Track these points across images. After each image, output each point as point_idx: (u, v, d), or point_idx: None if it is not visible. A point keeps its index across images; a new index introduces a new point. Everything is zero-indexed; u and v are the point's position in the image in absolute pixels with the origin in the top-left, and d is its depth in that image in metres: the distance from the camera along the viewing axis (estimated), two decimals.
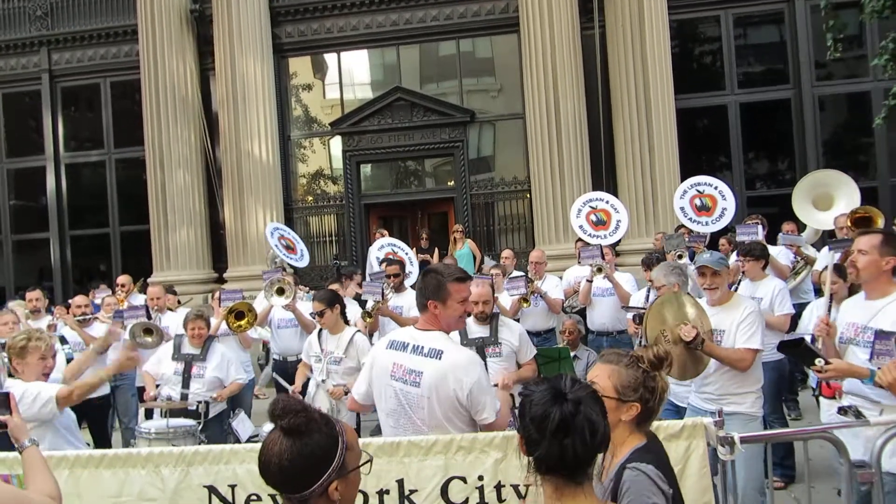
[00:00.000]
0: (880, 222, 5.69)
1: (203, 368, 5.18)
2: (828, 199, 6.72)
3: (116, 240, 12.38)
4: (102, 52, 12.25)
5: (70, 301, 7.40)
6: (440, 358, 2.82)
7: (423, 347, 2.87)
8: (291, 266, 7.97)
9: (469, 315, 3.09)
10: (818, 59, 10.30)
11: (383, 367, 2.95)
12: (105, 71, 12.30)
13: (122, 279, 7.94)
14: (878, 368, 2.84)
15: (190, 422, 4.72)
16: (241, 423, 4.81)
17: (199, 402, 4.91)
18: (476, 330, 4.44)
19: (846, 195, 6.58)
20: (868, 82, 10.37)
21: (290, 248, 7.78)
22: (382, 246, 8.06)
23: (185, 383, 5.10)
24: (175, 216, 11.03)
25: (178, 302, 7.50)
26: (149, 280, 9.80)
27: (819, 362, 3.04)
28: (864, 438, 3.03)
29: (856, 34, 10.61)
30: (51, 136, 12.50)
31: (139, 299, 7.54)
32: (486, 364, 4.28)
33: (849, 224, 5.77)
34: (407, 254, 7.93)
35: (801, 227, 7.64)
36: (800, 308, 5.58)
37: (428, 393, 2.81)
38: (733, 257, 5.95)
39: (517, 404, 1.75)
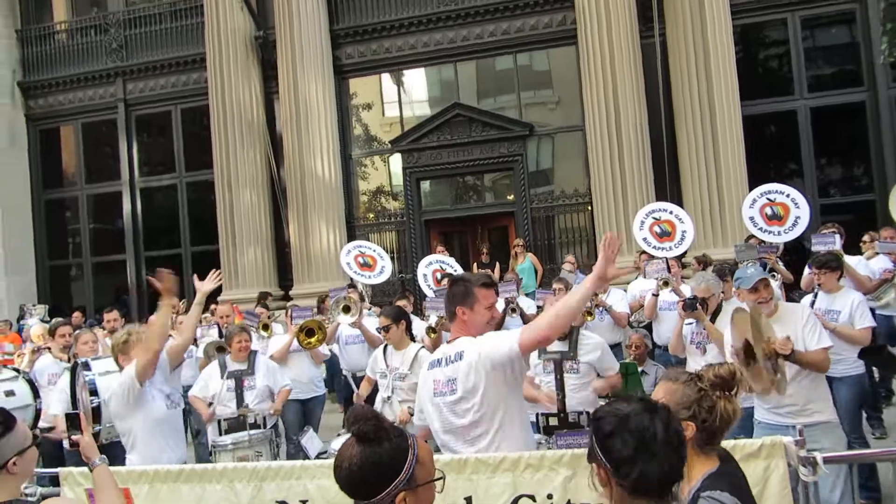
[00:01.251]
0: None
1: (253, 380, 5.29)
2: None
3: (188, 260, 12.84)
4: (173, 81, 12.81)
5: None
6: (462, 357, 2.83)
7: (451, 356, 2.89)
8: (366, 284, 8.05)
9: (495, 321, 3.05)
10: None
11: (427, 390, 2.97)
12: (176, 98, 12.85)
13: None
14: None
15: (261, 430, 4.84)
16: (310, 440, 4.88)
17: (257, 415, 5.03)
18: (555, 344, 4.42)
19: None
20: None
21: (367, 266, 7.85)
22: (430, 263, 8.13)
23: (240, 398, 5.19)
24: (242, 236, 11.39)
25: (269, 317, 7.66)
26: (218, 298, 10.12)
27: None
28: None
29: None
30: (126, 162, 13.12)
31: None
32: (563, 378, 4.28)
33: None
34: (455, 270, 7.98)
35: None
36: None
37: (465, 393, 2.80)
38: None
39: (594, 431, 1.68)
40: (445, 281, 7.06)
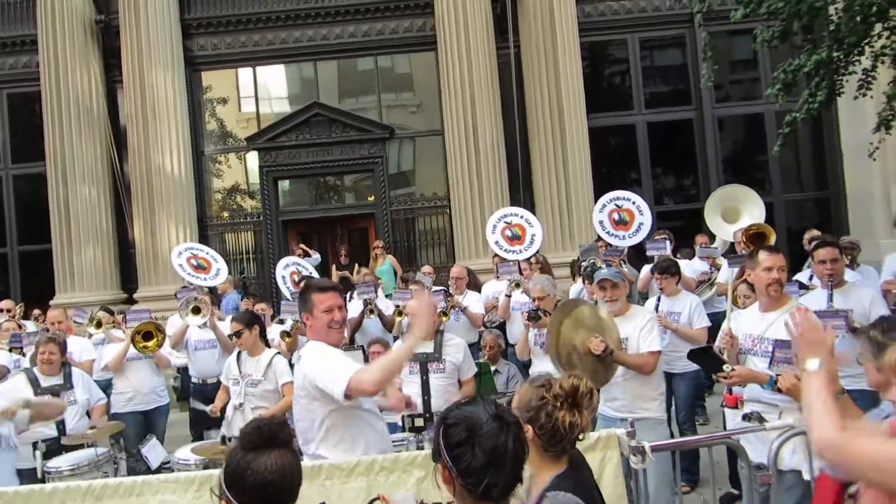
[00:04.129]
0: (772, 238, 6.06)
1: (73, 395, 4.89)
2: (735, 212, 7.07)
3: (15, 259, 11.64)
4: None
5: None
6: (300, 361, 3.02)
7: (300, 358, 3.07)
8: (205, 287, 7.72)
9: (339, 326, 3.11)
10: (718, 81, 10.91)
11: None
12: (2, 82, 11.62)
13: (5, 304, 7.57)
14: (778, 374, 3.04)
15: (102, 449, 4.47)
16: (152, 450, 4.59)
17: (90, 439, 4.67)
18: (419, 346, 4.47)
19: (751, 209, 6.95)
20: (762, 104, 11.06)
21: (201, 268, 7.51)
22: (287, 265, 8.00)
23: None
24: (80, 234, 10.51)
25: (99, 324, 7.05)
26: (51, 302, 9.30)
27: (726, 368, 3.23)
28: (768, 442, 3.21)
29: (751, 59, 11.33)
30: None
31: (29, 325, 7.20)
32: (428, 380, 4.36)
33: (743, 240, 6.11)
34: (310, 273, 7.90)
35: (712, 237, 8.01)
36: (714, 316, 5.87)
37: (297, 396, 3.02)
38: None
39: (441, 431, 1.72)
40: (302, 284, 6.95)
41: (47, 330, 6.26)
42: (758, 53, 10.76)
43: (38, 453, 4.37)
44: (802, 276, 5.06)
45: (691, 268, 7.01)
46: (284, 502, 1.66)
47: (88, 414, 5.07)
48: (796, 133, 8.24)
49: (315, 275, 8.02)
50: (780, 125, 7.87)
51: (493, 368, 5.89)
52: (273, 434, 1.65)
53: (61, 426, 4.73)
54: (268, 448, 1.63)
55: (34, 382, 4.79)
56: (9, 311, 7.46)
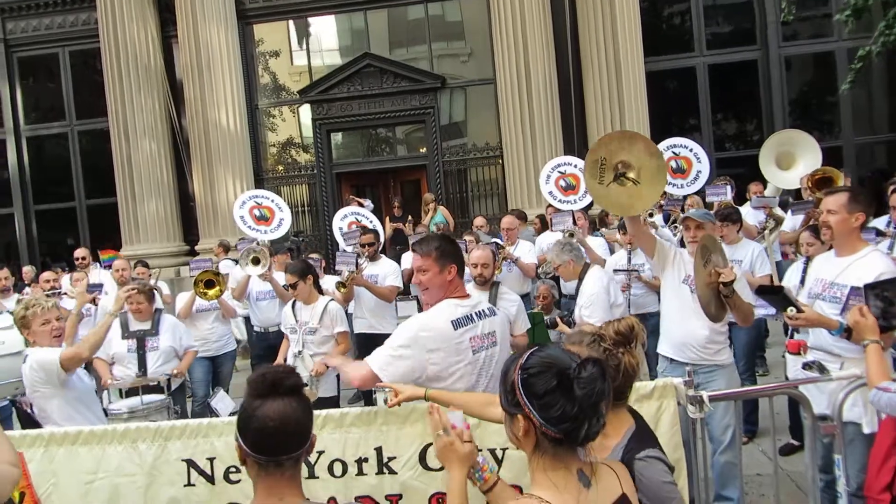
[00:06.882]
0: (840, 182, 5.77)
1: (157, 341, 5.06)
2: (790, 158, 6.77)
3: (83, 213, 12.15)
4: (60, 21, 11.86)
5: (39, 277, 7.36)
6: (496, 313, 3.00)
7: (483, 311, 2.95)
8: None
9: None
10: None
11: (454, 348, 2.74)
12: (63, 40, 11.93)
13: (80, 252, 7.91)
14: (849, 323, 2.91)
15: (161, 396, 4.66)
16: (221, 401, 4.75)
17: (159, 379, 4.83)
18: (476, 296, 4.47)
19: (807, 155, 6.64)
20: (833, 42, 10.46)
21: (263, 219, 7.54)
22: (346, 216, 7.96)
23: (142, 360, 4.96)
24: (143, 188, 10.85)
25: (150, 276, 7.36)
26: (119, 253, 9.66)
27: (792, 310, 3.11)
28: (828, 393, 3.13)
29: None
30: (9, 108, 12.13)
31: (98, 273, 7.52)
32: None
33: (809, 185, 5.85)
34: (371, 222, 7.84)
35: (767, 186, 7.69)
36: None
37: (502, 345, 2.92)
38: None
39: (520, 381, 1.60)
40: (361, 234, 6.97)
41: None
42: None
43: (114, 396, 4.59)
44: (880, 223, 4.80)
45: (753, 216, 6.76)
46: (288, 449, 1.66)
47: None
48: (870, 70, 7.75)
49: (377, 224, 7.94)
50: (852, 63, 7.40)
51: (546, 318, 5.86)
52: (278, 382, 1.66)
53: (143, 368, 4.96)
54: (272, 396, 1.65)
55: (124, 326, 5.06)
56: (84, 259, 7.86)
